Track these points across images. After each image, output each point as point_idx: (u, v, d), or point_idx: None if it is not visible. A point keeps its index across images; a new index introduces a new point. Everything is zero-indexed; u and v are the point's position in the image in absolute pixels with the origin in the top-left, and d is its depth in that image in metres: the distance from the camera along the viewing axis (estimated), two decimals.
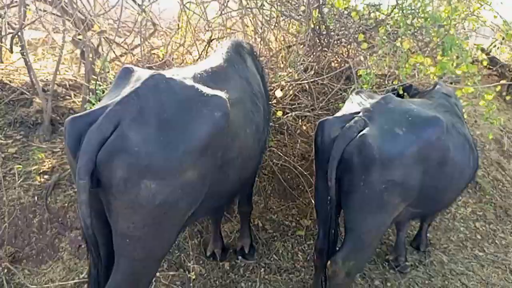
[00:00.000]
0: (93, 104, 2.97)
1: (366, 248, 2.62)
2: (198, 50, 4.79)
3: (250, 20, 5.01)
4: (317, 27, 4.75)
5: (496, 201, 4.33)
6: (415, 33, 5.07)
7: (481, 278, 3.32)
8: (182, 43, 4.81)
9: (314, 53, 4.91)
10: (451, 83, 4.88)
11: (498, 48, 6.01)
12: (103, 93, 3.09)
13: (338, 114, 2.63)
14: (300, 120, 4.43)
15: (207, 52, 4.64)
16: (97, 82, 3.31)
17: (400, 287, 3.08)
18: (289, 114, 4.15)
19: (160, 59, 4.50)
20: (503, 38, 5.85)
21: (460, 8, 5.01)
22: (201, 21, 4.95)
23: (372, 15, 5.11)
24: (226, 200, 2.66)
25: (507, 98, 5.32)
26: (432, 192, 2.59)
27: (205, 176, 1.95)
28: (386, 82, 4.59)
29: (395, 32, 4.71)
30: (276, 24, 5.17)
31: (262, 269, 3.06)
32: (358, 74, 3.92)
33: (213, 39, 4.82)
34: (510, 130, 5.25)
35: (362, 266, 2.99)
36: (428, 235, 3.69)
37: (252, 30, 5.11)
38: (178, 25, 4.92)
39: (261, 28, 5.01)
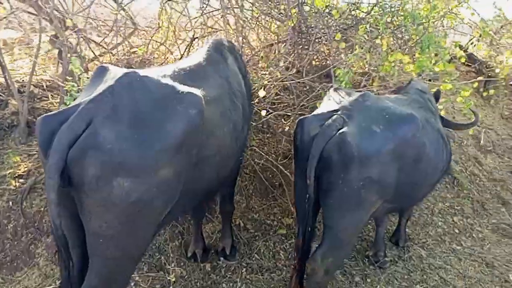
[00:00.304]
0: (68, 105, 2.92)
1: (345, 246, 2.64)
2: (179, 49, 4.76)
3: (232, 19, 5.00)
4: (298, 25, 4.76)
5: (474, 195, 4.41)
6: (395, 31, 5.15)
7: (458, 271, 3.38)
8: (163, 42, 4.77)
9: (296, 52, 4.93)
10: (430, 80, 4.95)
11: (475, 45, 6.13)
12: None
13: (317, 112, 2.64)
14: (282, 119, 4.44)
15: (189, 51, 4.61)
16: (72, 83, 3.25)
17: (379, 283, 3.12)
18: (271, 113, 4.16)
19: (140, 58, 4.45)
20: (480, 35, 5.97)
21: (439, 5, 5.08)
22: (182, 19, 4.92)
23: (353, 13, 5.17)
24: (204, 199, 2.65)
25: (484, 94, 5.43)
26: (407, 187, 2.63)
27: (180, 174, 1.95)
28: (366, 80, 4.63)
29: (375, 30, 4.75)
30: (257, 23, 5.18)
31: (244, 269, 3.05)
32: (336, 72, 3.95)
33: (196, 38, 4.79)
34: (487, 126, 5.36)
35: (341, 263, 3.02)
36: (407, 230, 3.75)
37: (234, 29, 5.10)
38: (159, 24, 4.87)
39: (243, 27, 5.00)
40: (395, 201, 2.68)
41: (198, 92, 2.08)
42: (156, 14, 4.95)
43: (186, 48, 4.65)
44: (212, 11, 4.84)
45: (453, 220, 4.06)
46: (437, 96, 3.59)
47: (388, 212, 3.11)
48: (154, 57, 4.57)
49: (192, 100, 2.01)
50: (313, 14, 4.89)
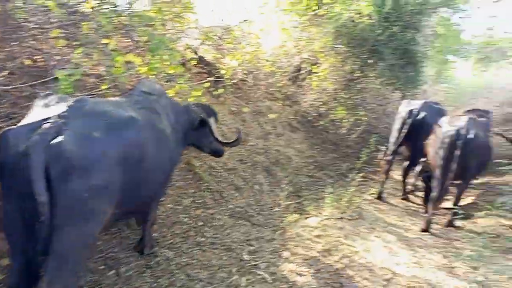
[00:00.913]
0: None
1: (74, 266, 2.33)
2: None
3: None
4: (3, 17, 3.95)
5: (213, 186, 4.81)
6: (128, 32, 5.03)
7: (202, 263, 3.53)
8: None
9: (7, 49, 4.10)
10: (167, 81, 5.08)
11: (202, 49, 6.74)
12: None
13: (25, 122, 2.28)
14: None
15: None
16: None
17: None
18: None
19: None
20: (205, 39, 6.64)
21: (164, 9, 5.26)
22: None
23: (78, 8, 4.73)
24: None
25: (214, 93, 6.03)
26: (133, 189, 2.60)
27: None
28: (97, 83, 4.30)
29: (101, 28, 4.45)
30: None
31: None
32: (58, 76, 3.46)
33: None
34: (223, 121, 5.95)
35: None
36: (154, 235, 3.67)
37: None
38: None
39: None
40: (125, 205, 2.58)
41: None
42: None
43: None
44: None
45: (196, 214, 4.27)
46: (210, 113, 3.81)
47: (123, 218, 2.98)
48: None
49: None
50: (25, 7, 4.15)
